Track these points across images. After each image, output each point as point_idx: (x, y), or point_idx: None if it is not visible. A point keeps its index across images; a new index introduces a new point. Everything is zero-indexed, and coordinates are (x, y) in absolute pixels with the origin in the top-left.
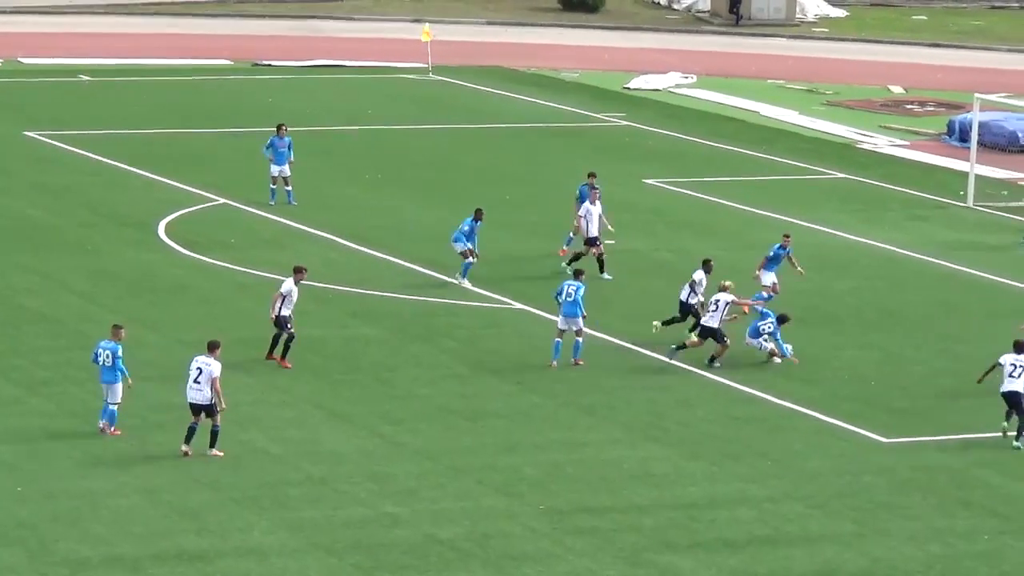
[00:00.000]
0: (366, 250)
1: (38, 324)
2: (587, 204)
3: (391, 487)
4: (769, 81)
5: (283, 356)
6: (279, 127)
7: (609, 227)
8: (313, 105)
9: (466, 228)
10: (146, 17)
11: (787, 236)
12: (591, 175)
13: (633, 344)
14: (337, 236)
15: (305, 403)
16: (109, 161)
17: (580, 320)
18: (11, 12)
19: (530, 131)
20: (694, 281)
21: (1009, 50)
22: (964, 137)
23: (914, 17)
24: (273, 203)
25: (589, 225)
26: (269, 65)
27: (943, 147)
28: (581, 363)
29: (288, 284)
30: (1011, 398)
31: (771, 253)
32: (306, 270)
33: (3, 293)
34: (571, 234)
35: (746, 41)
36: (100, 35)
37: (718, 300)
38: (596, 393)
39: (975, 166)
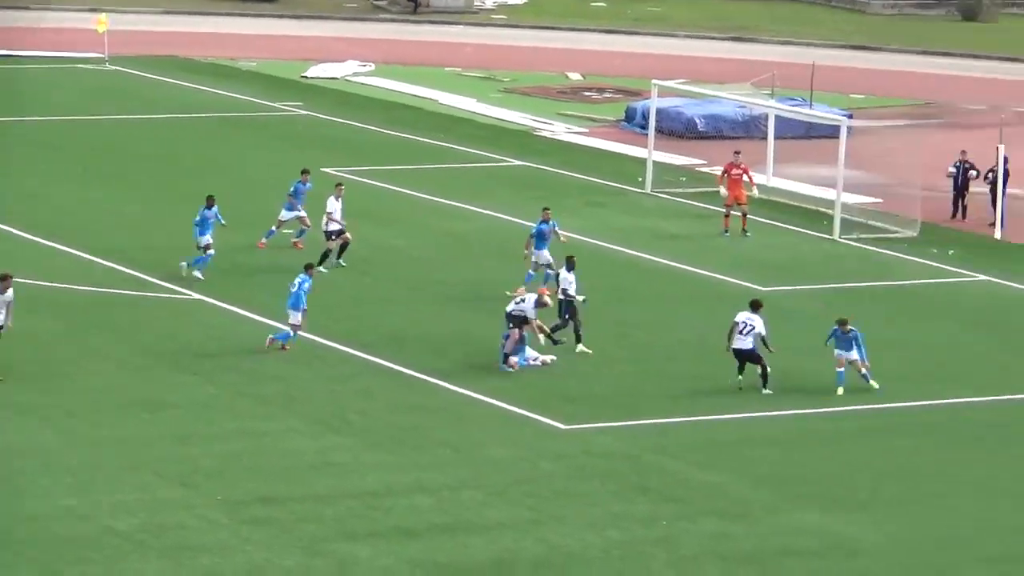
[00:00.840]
0: (42, 241)
1: None
2: (331, 199)
3: (68, 480)
4: (447, 69)
5: None
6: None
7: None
8: None
9: (198, 218)
10: None
11: (546, 209)
12: (304, 172)
13: (314, 335)
14: (12, 227)
15: None
16: None
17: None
18: None
19: (208, 120)
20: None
21: (687, 36)
22: (643, 124)
23: (593, 4)
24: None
25: (332, 221)
26: None
27: (621, 134)
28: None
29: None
30: (740, 354)
31: (534, 231)
32: (11, 276)
33: None
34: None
35: (424, 29)
36: None
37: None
38: (275, 383)
39: (653, 153)
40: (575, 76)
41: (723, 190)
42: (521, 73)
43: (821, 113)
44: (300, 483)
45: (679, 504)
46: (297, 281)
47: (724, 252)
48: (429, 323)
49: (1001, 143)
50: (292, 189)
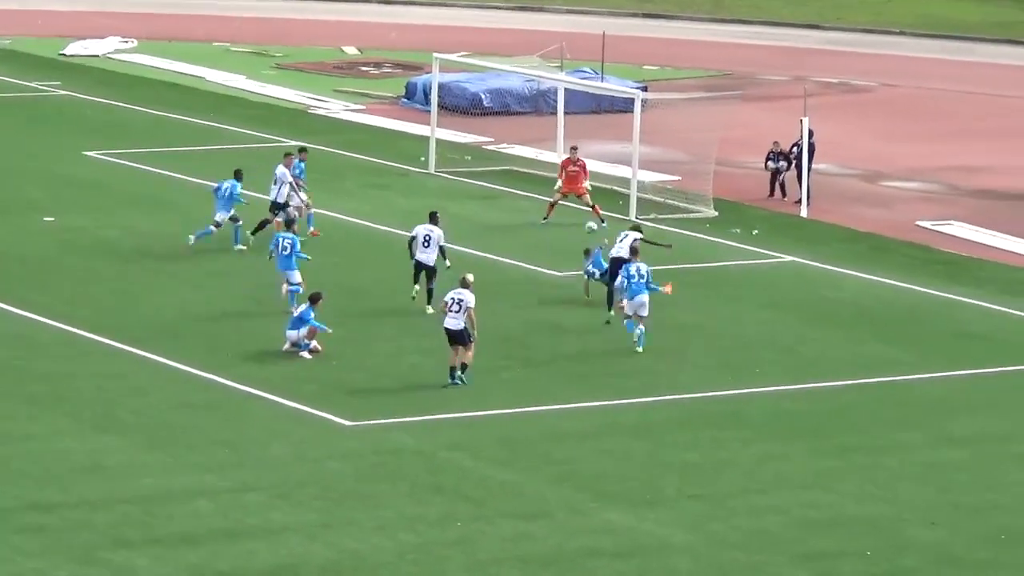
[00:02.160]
0: None
1: None
2: (280, 168)
3: None
4: (215, 44)
5: None
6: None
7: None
8: None
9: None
10: None
11: (237, 170)
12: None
13: (80, 330)
14: None
15: None
16: None
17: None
18: None
19: None
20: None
21: (469, 6)
22: (425, 100)
23: None
24: None
25: (281, 189)
26: None
27: (401, 111)
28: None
29: None
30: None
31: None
32: None
33: None
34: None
35: (190, 2)
36: None
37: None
38: (40, 382)
39: (436, 131)
40: (351, 50)
41: (559, 183)
42: (294, 48)
43: (613, 86)
44: (70, 488)
45: (475, 504)
46: (287, 244)
47: (516, 236)
48: (203, 315)
49: (805, 116)
50: (297, 171)
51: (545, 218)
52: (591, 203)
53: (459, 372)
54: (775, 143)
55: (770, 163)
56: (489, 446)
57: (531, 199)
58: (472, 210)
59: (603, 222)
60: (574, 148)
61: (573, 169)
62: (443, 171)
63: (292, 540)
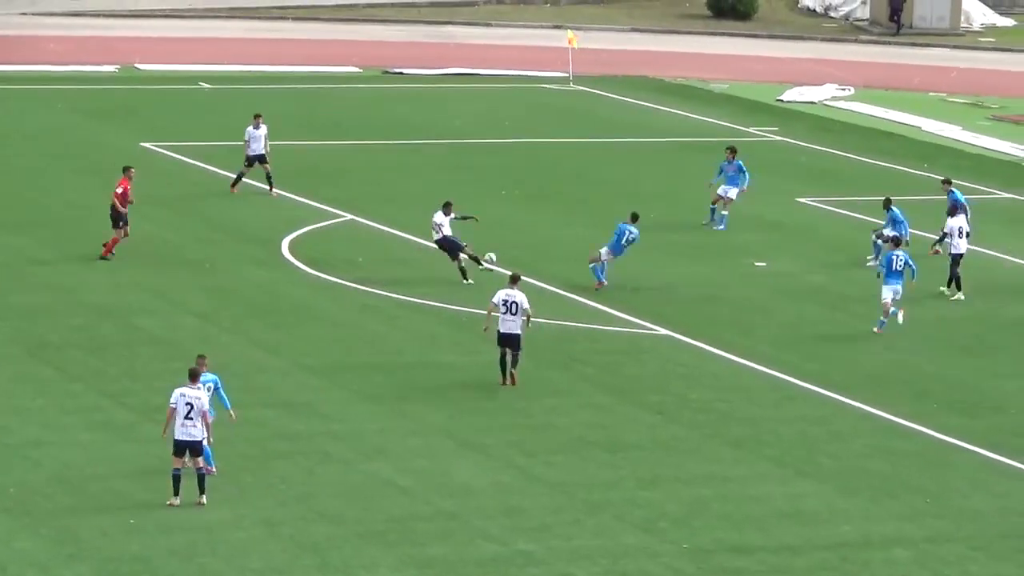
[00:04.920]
0: (501, 270)
1: (154, 346)
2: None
3: (524, 522)
4: (931, 94)
5: None
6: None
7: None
8: (451, 117)
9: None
10: (270, 22)
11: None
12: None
13: (781, 372)
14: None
15: (435, 432)
16: (229, 174)
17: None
18: (128, 16)
19: (674, 145)
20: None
21: None
22: None
23: None
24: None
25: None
26: (400, 73)
27: None
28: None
29: None
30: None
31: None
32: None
33: (119, 312)
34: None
35: (907, 51)
36: (221, 40)
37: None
38: (743, 425)
39: None
40: None
41: None
42: (1010, 99)
43: None
44: (769, 532)
45: None
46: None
47: None
48: (908, 363)
49: None
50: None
51: None
52: None
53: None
54: None
55: None
56: None
57: None
58: None
59: None
60: None
61: None
62: None
63: None
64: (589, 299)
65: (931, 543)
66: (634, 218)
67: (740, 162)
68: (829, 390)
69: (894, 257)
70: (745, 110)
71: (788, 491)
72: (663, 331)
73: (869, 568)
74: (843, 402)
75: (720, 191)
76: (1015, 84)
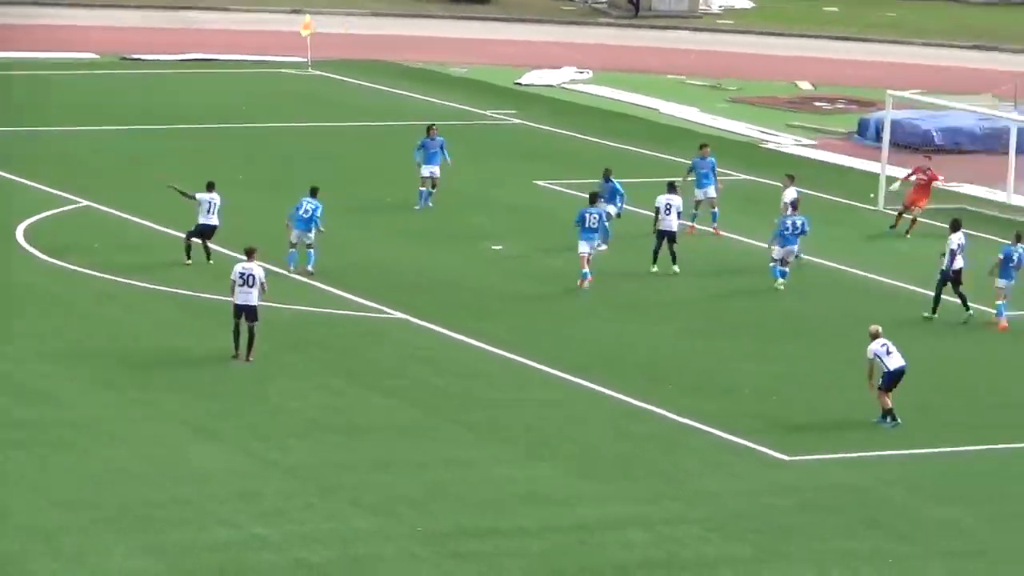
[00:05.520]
0: (236, 255)
1: None
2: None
3: (259, 507)
4: (670, 76)
5: None
6: (429, 128)
7: None
8: (189, 104)
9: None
10: (6, 7)
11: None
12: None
13: (519, 356)
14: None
15: (171, 418)
16: None
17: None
18: None
19: (415, 129)
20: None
21: (923, 44)
22: (877, 137)
23: (825, 9)
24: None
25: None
26: (139, 59)
27: (853, 147)
28: None
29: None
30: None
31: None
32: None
33: None
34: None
35: (646, 34)
36: None
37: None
38: (481, 408)
39: (887, 167)
40: (805, 85)
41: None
42: (748, 82)
43: None
44: (506, 515)
45: (909, 542)
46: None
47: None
48: (643, 346)
49: None
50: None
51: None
52: (916, 216)
53: (890, 417)
54: None
55: None
56: (926, 483)
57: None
58: (919, 246)
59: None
60: (928, 157)
61: (920, 178)
62: (893, 208)
63: (725, 573)
64: (327, 285)
65: (667, 524)
66: (313, 192)
67: (713, 159)
68: (567, 372)
69: (587, 215)
70: (484, 93)
71: (526, 474)
72: (401, 315)
73: (605, 550)
74: (580, 384)
75: (699, 194)
76: (753, 66)
